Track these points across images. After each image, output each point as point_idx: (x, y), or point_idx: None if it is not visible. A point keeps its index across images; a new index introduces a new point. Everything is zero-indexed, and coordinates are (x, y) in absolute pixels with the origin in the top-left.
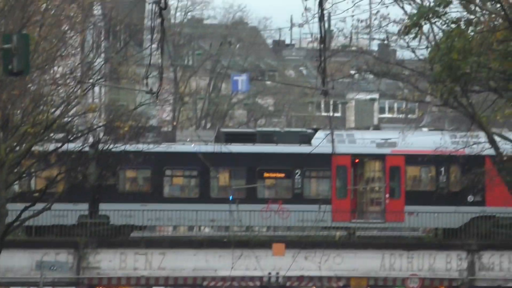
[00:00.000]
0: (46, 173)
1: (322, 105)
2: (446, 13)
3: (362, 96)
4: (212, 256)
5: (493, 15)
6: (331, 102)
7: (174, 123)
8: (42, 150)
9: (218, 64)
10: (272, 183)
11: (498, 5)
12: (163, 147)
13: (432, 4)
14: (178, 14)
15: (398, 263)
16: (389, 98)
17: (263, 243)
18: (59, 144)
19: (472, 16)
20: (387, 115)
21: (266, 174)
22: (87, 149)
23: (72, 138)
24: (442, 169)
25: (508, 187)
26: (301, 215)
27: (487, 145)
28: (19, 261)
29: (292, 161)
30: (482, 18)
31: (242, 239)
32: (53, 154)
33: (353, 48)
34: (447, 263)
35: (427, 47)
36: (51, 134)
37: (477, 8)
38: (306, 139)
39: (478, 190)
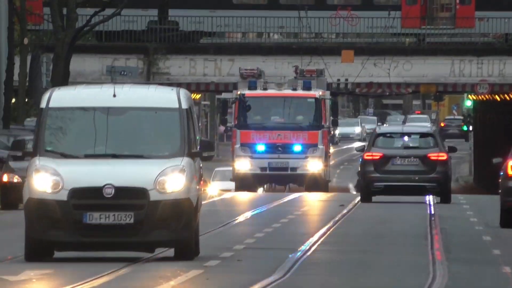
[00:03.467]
0: None
1: None
2: None
3: None
4: (281, 62)
5: None
6: None
7: None
8: None
9: None
10: None
11: None
12: None
13: None
14: None
15: (468, 69)
16: None
17: (332, 50)
18: None
19: None
20: None
21: None
22: None
23: None
24: None
25: None
26: (370, 22)
27: None
28: (89, 66)
29: None
30: None
31: (311, 46)
32: None
33: None
34: None
35: None
36: None
37: None
38: None
39: None
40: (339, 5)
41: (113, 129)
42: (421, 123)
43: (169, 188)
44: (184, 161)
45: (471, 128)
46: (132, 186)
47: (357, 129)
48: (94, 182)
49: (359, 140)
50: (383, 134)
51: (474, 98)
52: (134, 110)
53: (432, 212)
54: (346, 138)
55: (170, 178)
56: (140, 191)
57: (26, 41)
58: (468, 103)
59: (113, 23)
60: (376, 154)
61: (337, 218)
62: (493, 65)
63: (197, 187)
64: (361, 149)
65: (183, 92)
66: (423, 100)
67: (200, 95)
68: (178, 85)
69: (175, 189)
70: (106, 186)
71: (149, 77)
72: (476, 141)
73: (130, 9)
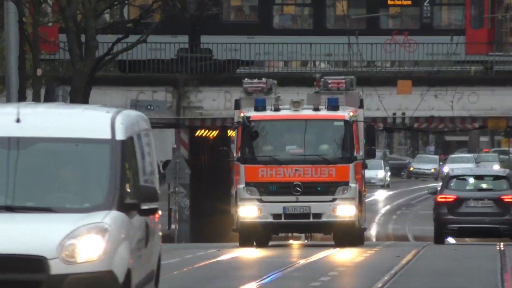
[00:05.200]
0: (140, 1)
1: None
2: None
3: None
4: None
5: None
6: None
7: None
8: None
9: None
10: (397, 11)
11: None
12: None
13: None
14: None
15: None
16: None
17: (386, 80)
18: None
19: None
20: None
21: (390, 2)
22: None
23: None
24: None
25: None
26: (430, 48)
27: None
28: (111, 100)
29: None
30: None
31: (362, 75)
32: None
33: None
34: None
35: None
36: None
37: None
38: None
39: None
40: (394, 29)
41: (13, 168)
42: (464, 164)
43: (81, 256)
44: (109, 216)
45: None
46: (24, 254)
47: (380, 174)
48: None
49: (382, 186)
50: (456, 177)
51: None
52: (45, 142)
53: (503, 264)
54: (367, 184)
55: (82, 242)
56: (36, 261)
57: (39, 72)
58: None
59: (138, 51)
60: (449, 197)
61: (393, 271)
62: None
63: (131, 254)
64: (434, 192)
65: (123, 116)
66: (492, 137)
67: None
68: (212, 120)
69: (90, 257)
70: None
71: (179, 111)
72: None
73: (157, 35)
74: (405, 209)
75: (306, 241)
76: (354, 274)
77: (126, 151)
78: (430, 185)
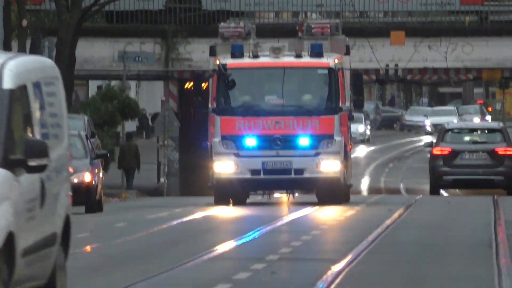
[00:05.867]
0: None
1: None
2: None
3: None
4: None
5: None
6: None
7: None
8: None
9: None
10: None
11: None
12: None
13: None
14: None
15: None
16: None
17: (379, 31)
18: None
19: None
20: None
21: None
22: None
23: None
24: None
25: None
26: None
27: None
28: (99, 51)
29: None
30: None
31: (355, 26)
32: None
33: None
34: None
35: None
36: None
37: None
38: None
39: None
40: None
41: None
42: (447, 117)
43: None
44: None
45: None
46: None
47: (361, 128)
48: None
49: (363, 141)
50: (452, 130)
51: None
52: None
53: (496, 216)
54: None
55: None
56: None
57: (24, 23)
58: None
59: (126, 1)
60: (445, 149)
61: (385, 224)
62: None
63: (17, 215)
64: (429, 145)
65: (15, 62)
66: (486, 88)
67: None
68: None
69: None
70: None
71: (168, 63)
72: None
73: None
74: (398, 162)
75: (291, 195)
76: (345, 228)
77: (14, 101)
78: (422, 137)
